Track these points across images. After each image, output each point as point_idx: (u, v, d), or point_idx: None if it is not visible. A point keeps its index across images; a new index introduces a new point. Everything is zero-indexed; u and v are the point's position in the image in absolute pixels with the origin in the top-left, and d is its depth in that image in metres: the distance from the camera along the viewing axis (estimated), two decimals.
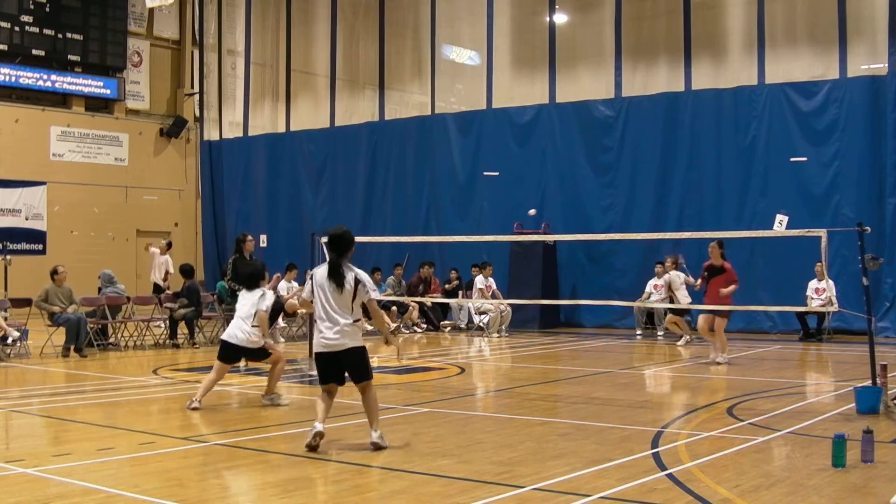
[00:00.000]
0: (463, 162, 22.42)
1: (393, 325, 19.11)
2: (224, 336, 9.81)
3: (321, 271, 7.50)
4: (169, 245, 22.14)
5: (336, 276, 7.40)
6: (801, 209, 17.20)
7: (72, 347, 14.41)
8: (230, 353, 9.65)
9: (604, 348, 16.66)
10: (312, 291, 7.53)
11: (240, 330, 9.55)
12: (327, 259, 7.60)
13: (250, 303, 9.66)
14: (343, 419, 8.90)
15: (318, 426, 7.33)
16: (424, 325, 20.13)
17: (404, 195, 23.28)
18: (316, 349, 7.61)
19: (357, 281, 7.41)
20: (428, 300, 19.12)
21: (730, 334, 17.76)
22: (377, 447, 7.29)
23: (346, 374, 7.58)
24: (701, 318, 13.61)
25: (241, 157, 26.34)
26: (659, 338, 18.23)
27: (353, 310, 7.43)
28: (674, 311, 15.41)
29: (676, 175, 19.79)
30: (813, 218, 16.62)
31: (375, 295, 7.62)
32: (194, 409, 9.19)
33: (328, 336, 7.40)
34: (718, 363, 13.23)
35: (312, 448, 7.22)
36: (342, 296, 7.39)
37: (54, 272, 15.09)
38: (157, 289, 20.83)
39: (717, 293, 13.05)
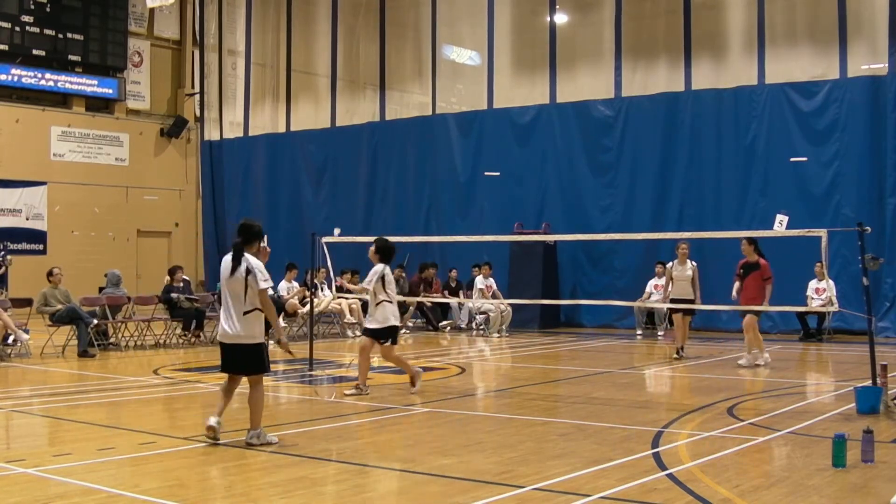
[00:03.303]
0: (463, 162, 22.42)
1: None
2: None
3: (227, 258, 7.51)
4: None
5: (232, 263, 7.40)
6: (801, 209, 17.19)
7: (87, 349, 14.42)
8: None
9: (604, 348, 16.66)
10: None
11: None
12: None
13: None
14: (343, 419, 8.91)
15: (212, 420, 7.39)
16: (411, 324, 20.12)
17: (405, 195, 23.28)
18: (218, 337, 7.71)
19: (248, 270, 7.35)
20: (425, 299, 19.11)
21: (729, 334, 17.86)
22: (250, 446, 7.23)
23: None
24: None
25: (241, 157, 26.35)
26: (659, 338, 18.24)
27: (246, 300, 7.35)
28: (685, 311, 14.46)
29: (676, 175, 19.79)
30: (813, 218, 16.61)
31: (267, 286, 7.47)
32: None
33: (224, 326, 7.43)
34: (759, 364, 13.19)
35: (213, 440, 7.36)
36: (234, 283, 7.37)
37: (50, 273, 15.33)
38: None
39: (755, 290, 13.00)
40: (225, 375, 7.79)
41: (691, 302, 13.68)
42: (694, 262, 14.01)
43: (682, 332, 14.16)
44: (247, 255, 7.47)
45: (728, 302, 13.98)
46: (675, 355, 14.06)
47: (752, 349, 13.30)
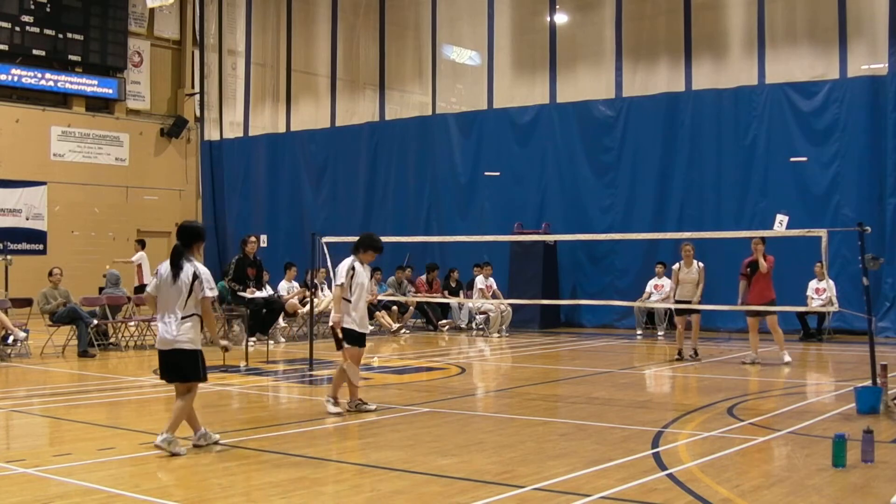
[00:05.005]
0: (464, 162, 22.42)
1: (395, 326, 19.20)
2: None
3: (166, 263, 7.36)
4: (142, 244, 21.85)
5: (174, 267, 7.24)
6: (801, 209, 17.19)
7: (87, 349, 14.42)
8: None
9: (604, 348, 16.66)
10: (157, 286, 7.34)
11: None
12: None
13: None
14: (343, 419, 8.90)
15: (195, 435, 7.30)
16: (411, 323, 20.12)
17: (405, 195, 23.28)
18: (156, 344, 7.51)
19: (195, 276, 7.21)
20: (421, 299, 19.11)
21: (729, 334, 17.87)
22: (159, 448, 7.09)
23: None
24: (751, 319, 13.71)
25: (241, 157, 26.36)
26: (659, 338, 18.24)
27: (187, 305, 7.20)
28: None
29: (676, 175, 19.79)
30: (813, 218, 16.61)
31: (212, 294, 7.31)
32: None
33: (163, 332, 7.25)
34: (787, 362, 13.26)
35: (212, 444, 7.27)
36: (176, 288, 7.20)
37: (50, 274, 15.39)
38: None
39: (762, 290, 13.01)
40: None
41: (690, 304, 13.56)
42: (701, 263, 13.82)
43: (693, 334, 13.94)
44: (194, 261, 7.33)
45: (730, 302, 13.95)
46: (677, 356, 13.88)
47: (781, 348, 13.48)
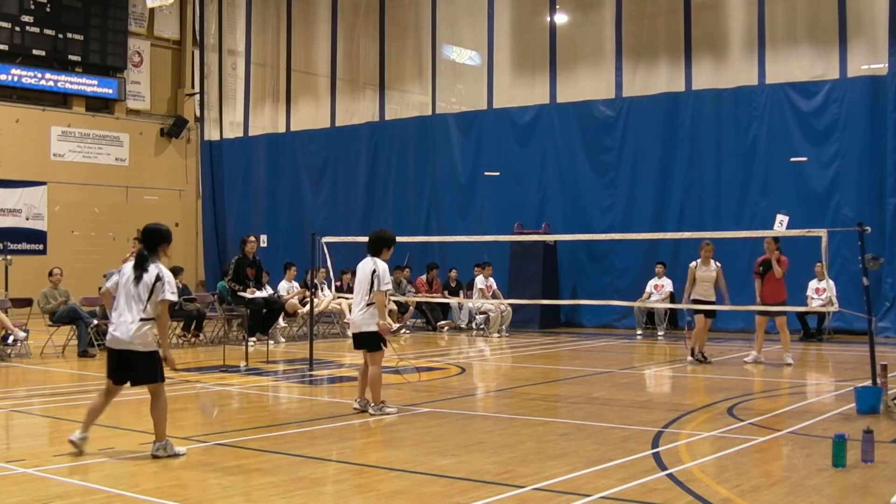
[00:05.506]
0: (464, 162, 22.42)
1: (395, 326, 19.20)
2: None
3: (130, 263, 7.30)
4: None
5: (138, 268, 7.18)
6: (801, 209, 17.19)
7: (87, 349, 14.41)
8: None
9: (604, 348, 16.66)
10: (118, 284, 7.26)
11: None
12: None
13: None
14: (343, 419, 8.91)
15: (75, 436, 7.11)
16: (410, 323, 20.13)
17: (405, 195, 23.28)
18: (107, 342, 7.38)
19: (157, 278, 7.13)
20: (421, 299, 19.12)
21: (729, 334, 17.85)
22: (156, 458, 6.98)
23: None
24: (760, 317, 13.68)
25: (241, 157, 26.35)
26: (659, 338, 18.24)
27: (147, 307, 7.12)
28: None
29: (677, 175, 19.79)
30: (813, 218, 16.60)
31: (173, 298, 7.20)
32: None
33: (116, 332, 7.15)
34: (788, 363, 13.22)
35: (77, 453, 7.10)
36: (138, 289, 7.12)
37: (50, 274, 15.42)
38: None
39: (775, 289, 13.01)
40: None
41: (712, 304, 13.44)
42: (718, 263, 13.66)
43: (704, 335, 13.74)
44: (159, 264, 7.24)
45: (732, 302, 13.91)
46: (690, 357, 13.56)
47: (786, 349, 13.46)
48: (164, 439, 7.10)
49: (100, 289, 8.79)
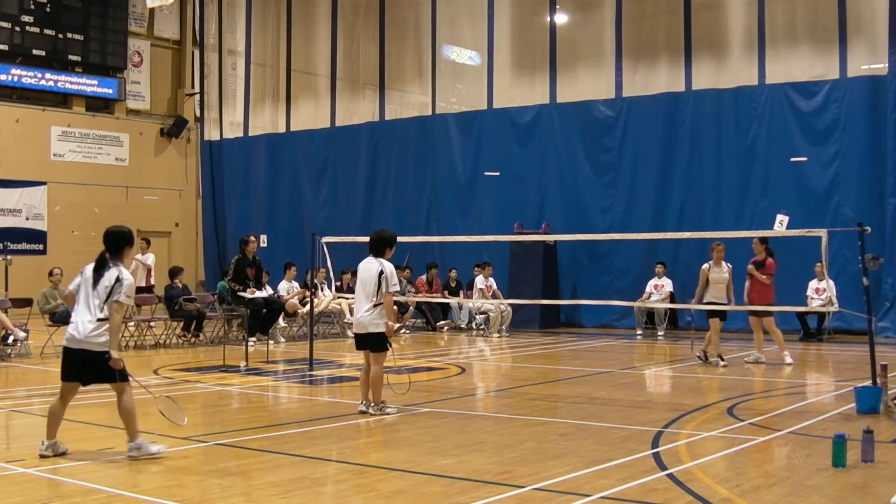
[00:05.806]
0: (463, 162, 22.42)
1: (395, 326, 19.17)
2: None
3: (91, 265, 7.27)
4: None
5: (97, 271, 7.15)
6: (801, 209, 17.20)
7: None
8: None
9: (604, 348, 16.66)
10: (79, 285, 7.23)
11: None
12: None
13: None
14: (343, 419, 8.91)
15: (42, 448, 7.06)
16: (410, 323, 20.14)
17: (405, 195, 23.28)
18: (64, 342, 7.31)
19: (117, 279, 7.10)
20: (421, 299, 19.12)
21: (729, 334, 17.83)
22: (133, 460, 6.94)
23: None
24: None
25: (241, 157, 26.35)
26: (659, 338, 18.24)
27: (104, 308, 7.08)
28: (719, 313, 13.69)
29: (676, 175, 19.79)
30: (813, 218, 16.61)
31: (128, 302, 7.18)
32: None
33: (72, 331, 7.12)
34: (788, 363, 13.24)
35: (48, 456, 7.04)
36: (97, 290, 7.10)
37: (50, 274, 15.51)
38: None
39: (763, 291, 13.03)
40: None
41: (725, 306, 13.29)
42: (729, 265, 13.52)
43: (717, 337, 13.48)
44: (121, 267, 7.19)
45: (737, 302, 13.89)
46: (715, 359, 13.27)
47: (782, 349, 13.49)
48: (136, 439, 7.06)
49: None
